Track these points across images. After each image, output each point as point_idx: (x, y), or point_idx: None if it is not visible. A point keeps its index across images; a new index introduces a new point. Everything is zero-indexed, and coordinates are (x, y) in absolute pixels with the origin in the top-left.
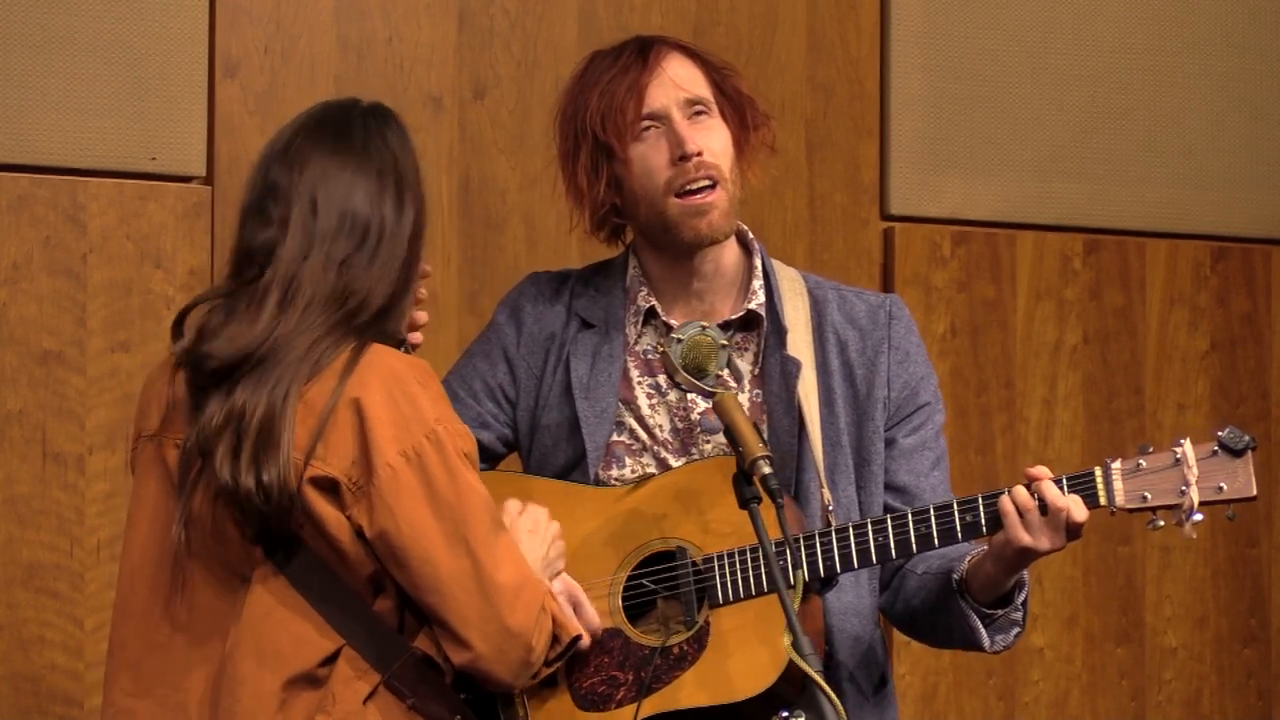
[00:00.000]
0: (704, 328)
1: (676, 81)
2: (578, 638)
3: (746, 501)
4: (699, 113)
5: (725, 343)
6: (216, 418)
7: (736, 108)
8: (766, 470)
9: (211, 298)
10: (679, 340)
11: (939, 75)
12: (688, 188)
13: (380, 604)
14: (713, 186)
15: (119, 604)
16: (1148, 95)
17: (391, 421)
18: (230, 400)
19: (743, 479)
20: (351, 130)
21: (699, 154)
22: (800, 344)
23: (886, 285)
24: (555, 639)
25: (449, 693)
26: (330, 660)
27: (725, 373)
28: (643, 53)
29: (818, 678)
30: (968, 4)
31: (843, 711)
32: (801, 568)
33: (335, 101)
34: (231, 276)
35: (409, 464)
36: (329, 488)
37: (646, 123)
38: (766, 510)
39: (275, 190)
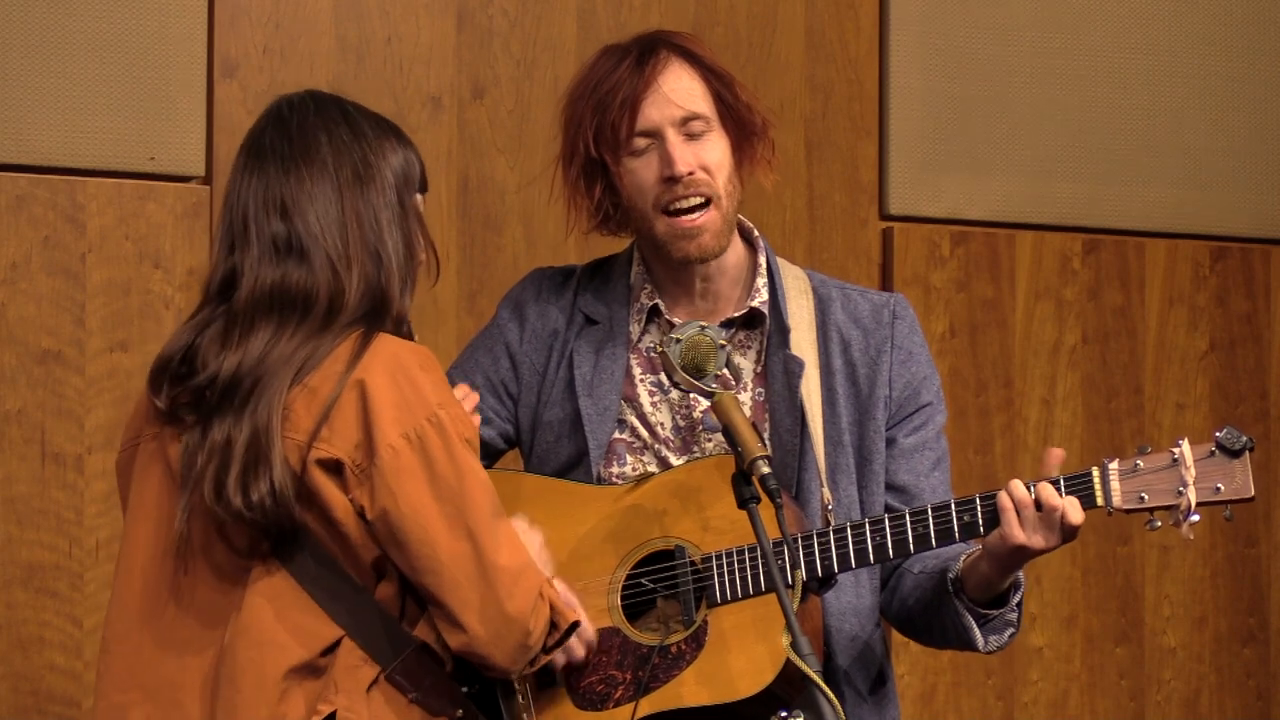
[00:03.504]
0: (703, 328)
1: (672, 97)
2: (576, 624)
3: (745, 501)
4: (694, 129)
5: (724, 342)
6: (202, 445)
7: (737, 117)
8: (765, 470)
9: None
10: (678, 340)
11: (938, 75)
12: (676, 206)
13: (383, 590)
14: (705, 205)
15: (115, 599)
16: (1147, 95)
17: (394, 404)
18: (210, 431)
19: (741, 479)
20: (264, 122)
21: (689, 174)
22: (804, 343)
23: (885, 285)
24: (554, 625)
25: (451, 685)
26: (331, 650)
27: (724, 373)
28: (641, 62)
29: (816, 678)
30: (967, 4)
31: (841, 712)
32: (800, 568)
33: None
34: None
35: (410, 446)
36: (334, 469)
37: (640, 139)
38: (766, 510)
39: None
